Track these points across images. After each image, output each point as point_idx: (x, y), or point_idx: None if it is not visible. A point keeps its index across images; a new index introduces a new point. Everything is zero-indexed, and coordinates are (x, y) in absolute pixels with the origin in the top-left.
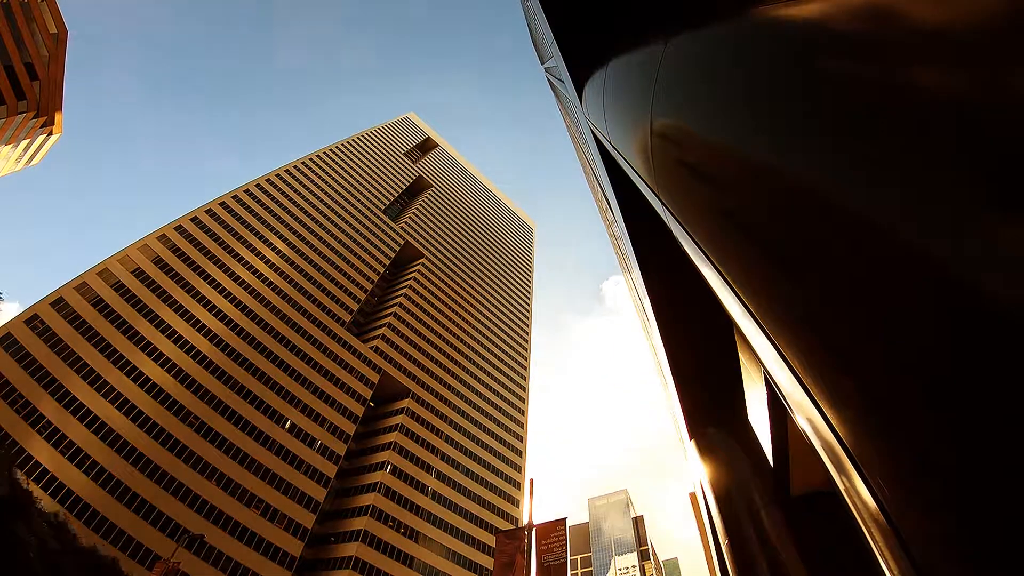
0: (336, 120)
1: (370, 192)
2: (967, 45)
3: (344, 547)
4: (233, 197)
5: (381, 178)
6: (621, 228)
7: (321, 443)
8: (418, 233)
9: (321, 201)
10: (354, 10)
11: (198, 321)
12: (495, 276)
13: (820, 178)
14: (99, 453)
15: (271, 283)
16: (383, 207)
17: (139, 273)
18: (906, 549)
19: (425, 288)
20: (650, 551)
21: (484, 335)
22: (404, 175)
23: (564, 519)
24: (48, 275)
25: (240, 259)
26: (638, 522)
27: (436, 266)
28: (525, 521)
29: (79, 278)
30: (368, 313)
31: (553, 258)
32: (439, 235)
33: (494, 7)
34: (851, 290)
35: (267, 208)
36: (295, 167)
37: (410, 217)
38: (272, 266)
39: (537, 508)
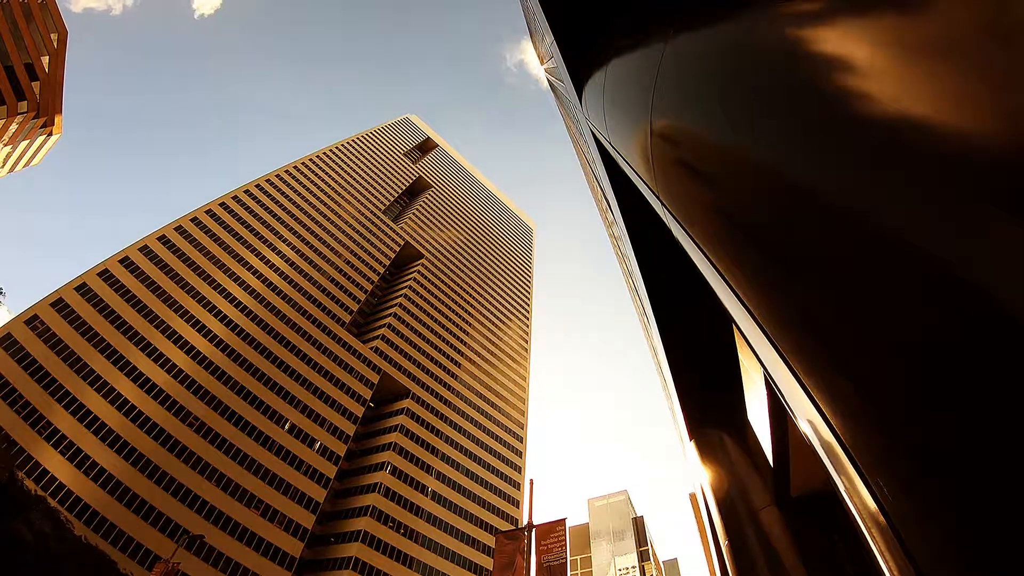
0: (336, 120)
1: (370, 192)
2: (971, 48)
3: (344, 547)
4: (233, 198)
5: (381, 178)
6: (621, 228)
7: (321, 443)
8: (418, 233)
9: (321, 202)
10: (354, 10)
11: (198, 321)
12: (495, 277)
13: (820, 179)
14: (99, 453)
15: (271, 283)
16: (383, 207)
17: (139, 274)
18: (906, 549)
19: (425, 288)
20: (650, 551)
21: (484, 335)
22: (404, 175)
23: (564, 519)
24: (48, 275)
25: (240, 259)
26: (638, 522)
27: (436, 266)
28: (525, 521)
29: (79, 278)
30: (368, 313)
31: (553, 258)
32: (439, 235)
33: (494, 7)
34: (851, 290)
35: (267, 209)
36: (295, 167)
37: (410, 217)
38: (272, 266)
39: (537, 508)
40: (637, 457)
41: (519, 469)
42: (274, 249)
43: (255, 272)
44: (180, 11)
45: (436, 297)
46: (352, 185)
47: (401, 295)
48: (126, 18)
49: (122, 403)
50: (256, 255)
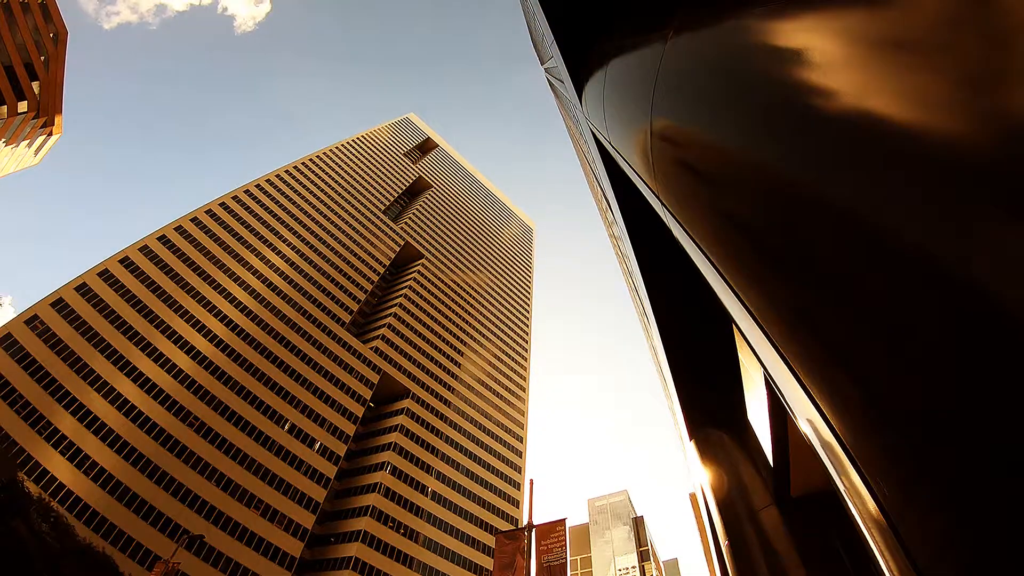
0: (336, 120)
1: (370, 192)
2: (972, 48)
3: (344, 547)
4: (233, 198)
5: (381, 178)
6: (621, 228)
7: (321, 443)
8: (418, 233)
9: (321, 202)
10: (354, 10)
11: (198, 321)
12: (495, 276)
13: (820, 179)
14: (99, 454)
15: (271, 283)
16: (383, 207)
17: (139, 273)
18: (906, 549)
19: (425, 288)
20: (650, 551)
21: (484, 335)
22: (404, 175)
23: (564, 519)
24: (48, 275)
25: (240, 259)
26: (638, 522)
27: (436, 266)
28: (525, 521)
29: (79, 278)
30: (368, 313)
31: (553, 258)
32: (439, 235)
33: (494, 7)
34: (851, 290)
35: (267, 209)
36: (295, 168)
37: (410, 217)
38: (272, 266)
39: (537, 508)
40: (637, 457)
41: (519, 469)
42: (274, 249)
43: (255, 272)
44: (202, 26)
45: (436, 297)
46: (352, 185)
47: (401, 295)
48: (141, 29)
49: (122, 403)
50: (256, 255)
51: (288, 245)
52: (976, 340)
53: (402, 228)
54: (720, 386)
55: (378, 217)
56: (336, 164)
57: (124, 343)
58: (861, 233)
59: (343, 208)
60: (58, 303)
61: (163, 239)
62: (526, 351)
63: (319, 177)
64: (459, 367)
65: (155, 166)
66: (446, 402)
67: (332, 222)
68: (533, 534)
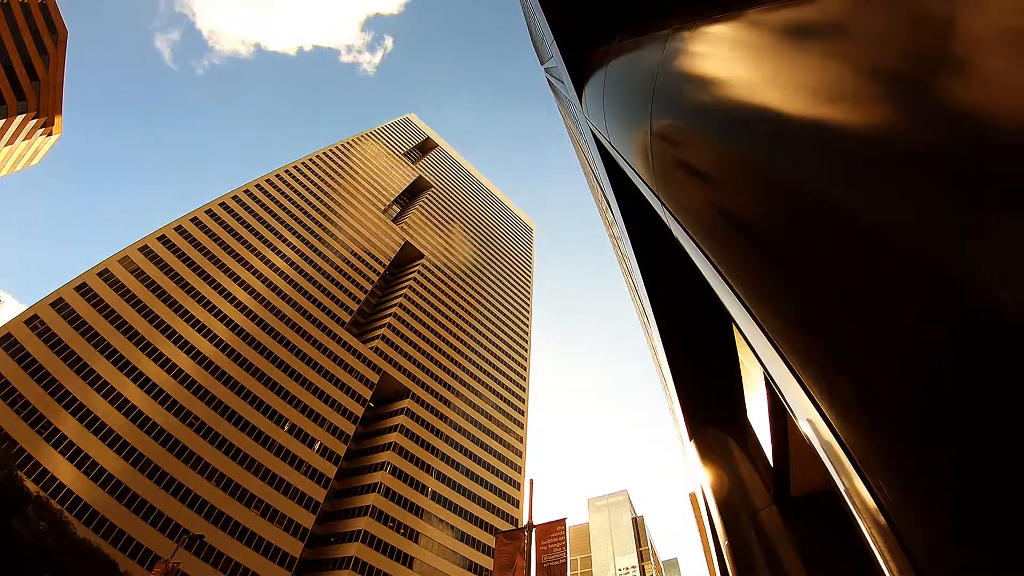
0: (336, 120)
1: (370, 192)
2: (968, 47)
3: (344, 547)
4: (233, 198)
5: (381, 178)
6: (621, 228)
7: (321, 443)
8: (418, 233)
9: (321, 201)
10: (353, 11)
11: (197, 321)
12: (495, 276)
13: (819, 179)
14: (99, 453)
15: (271, 283)
16: (383, 207)
17: (139, 273)
18: (906, 549)
19: (425, 288)
20: (650, 551)
21: (484, 335)
22: (404, 175)
23: (564, 519)
24: (48, 275)
25: (240, 259)
26: (638, 522)
27: (436, 266)
28: (525, 521)
29: (79, 278)
30: (368, 313)
31: (553, 258)
32: (439, 235)
33: (494, 8)
34: (851, 290)
35: (267, 208)
36: (295, 167)
37: (410, 217)
38: (272, 266)
39: (537, 508)
40: (637, 457)
41: (519, 469)
42: (274, 249)
43: (255, 272)
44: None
45: (436, 297)
46: (352, 185)
47: (401, 295)
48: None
49: (122, 403)
50: (256, 255)
51: (288, 245)
52: (975, 340)
53: (402, 228)
54: (720, 386)
55: (378, 217)
56: (336, 164)
57: (125, 343)
58: (860, 233)
59: (343, 208)
60: (58, 303)
61: (163, 239)
62: (526, 351)
63: (319, 177)
64: (459, 367)
65: (156, 167)
66: (446, 402)
67: (332, 222)
68: (533, 534)
